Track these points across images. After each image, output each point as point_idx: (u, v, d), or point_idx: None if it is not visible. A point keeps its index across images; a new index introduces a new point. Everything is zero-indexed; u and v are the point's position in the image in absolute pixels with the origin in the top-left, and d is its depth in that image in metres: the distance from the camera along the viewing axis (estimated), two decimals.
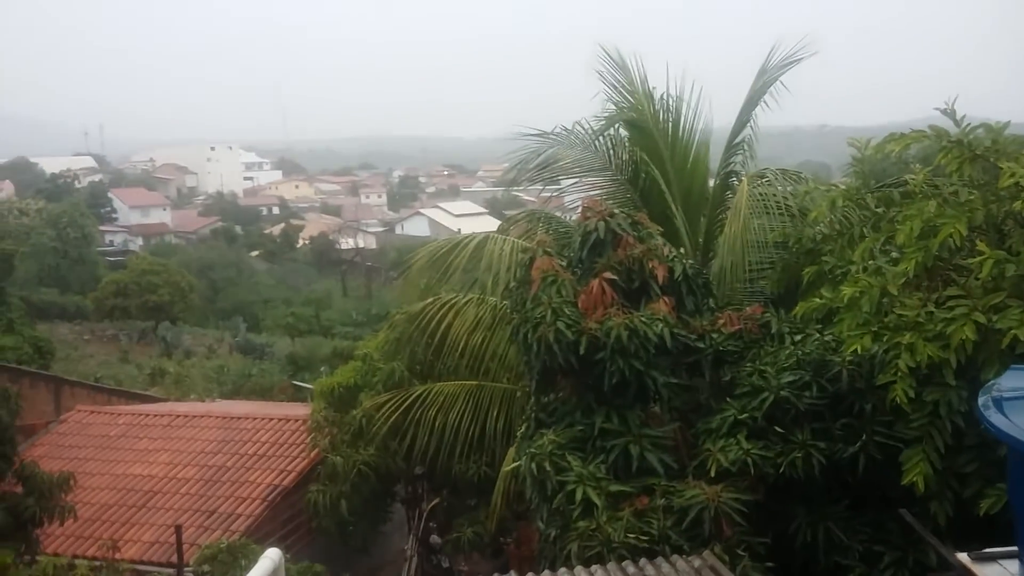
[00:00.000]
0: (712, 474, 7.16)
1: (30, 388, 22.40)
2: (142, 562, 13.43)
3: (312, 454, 15.05)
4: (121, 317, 48.11)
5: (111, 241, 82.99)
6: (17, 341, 35.07)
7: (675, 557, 6.41)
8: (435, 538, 13.69)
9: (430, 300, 11.91)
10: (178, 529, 13.15)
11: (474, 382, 11.74)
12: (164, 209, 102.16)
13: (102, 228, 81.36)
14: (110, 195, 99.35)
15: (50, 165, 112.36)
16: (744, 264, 9.76)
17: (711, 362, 8.01)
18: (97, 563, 11.36)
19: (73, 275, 57.29)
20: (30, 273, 53.11)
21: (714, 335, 8.06)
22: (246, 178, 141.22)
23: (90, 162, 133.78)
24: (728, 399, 7.62)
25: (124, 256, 67.30)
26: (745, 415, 7.37)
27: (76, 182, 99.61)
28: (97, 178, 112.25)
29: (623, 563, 6.35)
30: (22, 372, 25.11)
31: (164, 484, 15.68)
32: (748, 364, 7.75)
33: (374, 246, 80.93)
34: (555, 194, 12.47)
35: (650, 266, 8.10)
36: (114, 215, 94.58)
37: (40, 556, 12.01)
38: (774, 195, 10.13)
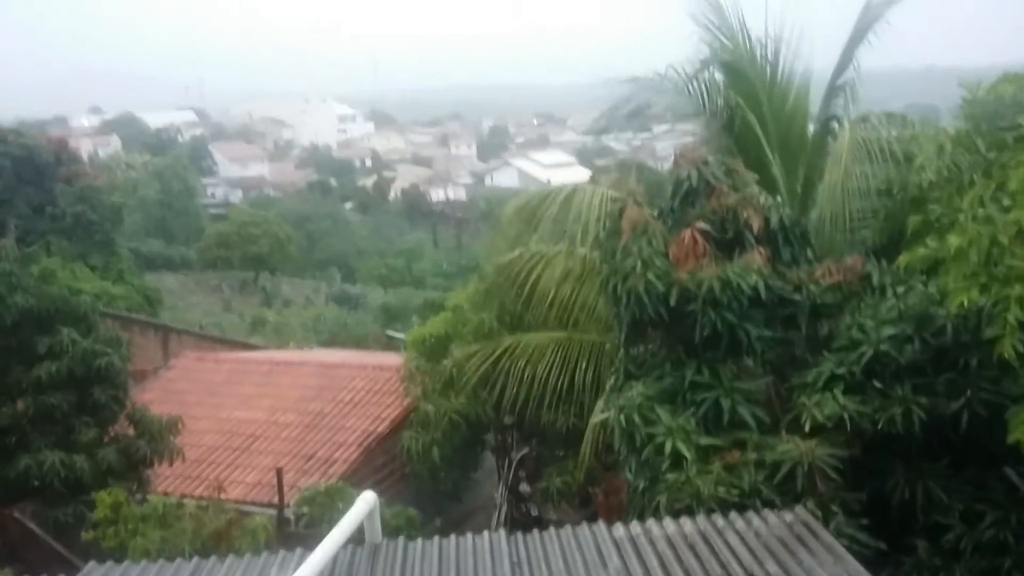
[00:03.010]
0: (806, 429, 6.99)
1: (140, 335, 23.56)
2: (245, 502, 14.03)
3: (405, 402, 15.36)
4: (223, 267, 49.86)
5: (212, 194, 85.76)
6: (127, 291, 36.85)
7: (766, 511, 6.32)
8: (524, 486, 13.87)
9: (519, 251, 11.89)
10: (279, 472, 13.67)
11: (563, 334, 11.72)
12: (262, 162, 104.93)
13: (204, 181, 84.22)
14: (211, 148, 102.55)
15: (154, 120, 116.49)
16: (845, 213, 9.39)
17: (808, 315, 7.78)
18: (204, 503, 11.91)
19: (178, 227, 59.52)
20: (138, 225, 55.40)
21: (811, 287, 7.82)
22: (340, 130, 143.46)
23: (191, 116, 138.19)
24: (825, 353, 7.41)
25: (225, 208, 69.55)
26: (842, 369, 7.15)
27: (179, 136, 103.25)
28: (198, 132, 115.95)
29: (712, 516, 6.30)
30: (132, 320, 26.42)
31: (266, 428, 16.29)
32: (847, 317, 7.51)
33: (464, 197, 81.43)
34: (646, 142, 12.23)
35: (745, 215, 7.87)
36: (215, 168, 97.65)
37: (151, 495, 12.66)
38: (877, 140, 9.67)
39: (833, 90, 11.13)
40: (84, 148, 75.61)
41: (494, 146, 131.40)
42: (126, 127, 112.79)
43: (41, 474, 11.87)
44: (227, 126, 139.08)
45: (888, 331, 7.08)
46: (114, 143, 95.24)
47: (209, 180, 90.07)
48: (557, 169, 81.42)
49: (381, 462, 15.20)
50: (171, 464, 13.34)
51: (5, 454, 12.20)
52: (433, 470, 13.69)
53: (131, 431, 13.07)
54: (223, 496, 12.38)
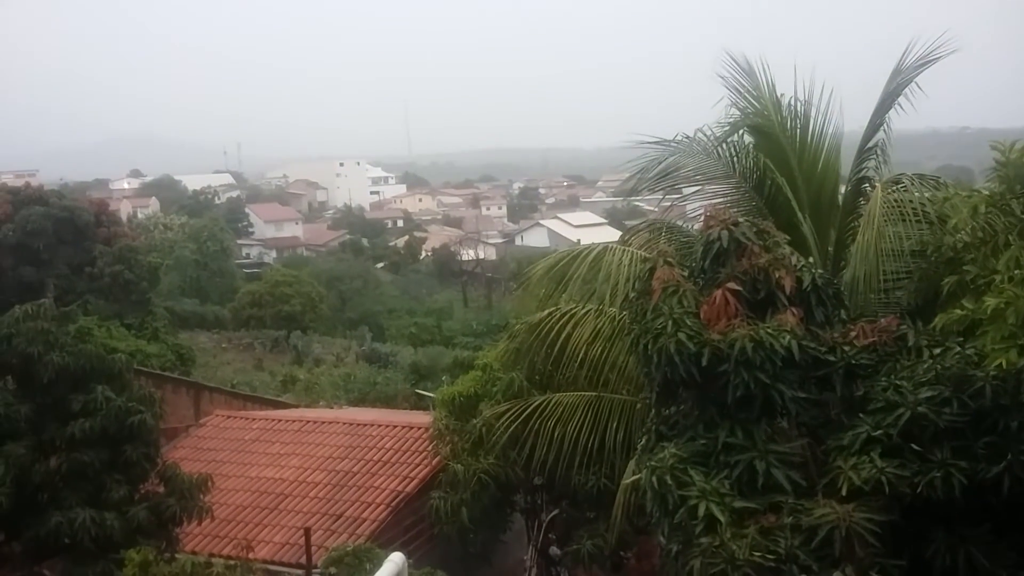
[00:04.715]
0: (843, 492, 6.85)
1: (172, 393, 23.80)
2: (273, 562, 13.94)
3: (434, 461, 15.29)
4: (256, 326, 50.26)
5: (247, 254, 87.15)
6: (161, 349, 37.29)
7: None
8: (555, 549, 13.67)
9: (549, 311, 11.91)
10: (307, 532, 13.61)
11: (593, 393, 11.66)
12: (296, 223, 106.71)
13: (239, 242, 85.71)
14: (247, 210, 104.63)
15: (192, 182, 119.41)
16: (878, 274, 9.33)
17: (842, 376, 7.67)
18: (232, 562, 11.84)
19: (212, 286, 60.34)
20: (173, 284, 56.21)
21: (846, 348, 7.72)
22: (372, 192, 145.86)
23: (228, 179, 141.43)
24: (861, 415, 7.28)
25: (259, 268, 70.48)
26: (879, 432, 7.02)
27: (216, 198, 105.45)
28: (235, 194, 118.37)
29: None
30: (165, 378, 26.74)
31: (294, 488, 16.26)
32: (883, 378, 7.39)
33: (494, 257, 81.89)
34: (676, 203, 12.28)
35: (776, 276, 7.83)
36: (250, 229, 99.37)
37: (179, 554, 12.63)
38: (910, 201, 9.65)
39: (864, 152, 11.16)
40: (124, 210, 77.48)
41: (524, 207, 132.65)
42: (165, 190, 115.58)
43: (72, 531, 11.88)
44: (263, 189, 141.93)
45: (925, 393, 6.96)
46: (153, 205, 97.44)
47: (244, 241, 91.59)
48: (587, 229, 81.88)
49: (410, 522, 15.08)
50: (200, 523, 13.31)
51: (37, 511, 12.25)
52: (462, 531, 13.55)
53: (161, 489, 13.09)
54: (251, 556, 12.33)
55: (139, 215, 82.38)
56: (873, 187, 10.61)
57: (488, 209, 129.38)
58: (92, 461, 12.44)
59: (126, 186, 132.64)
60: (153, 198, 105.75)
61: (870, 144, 11.14)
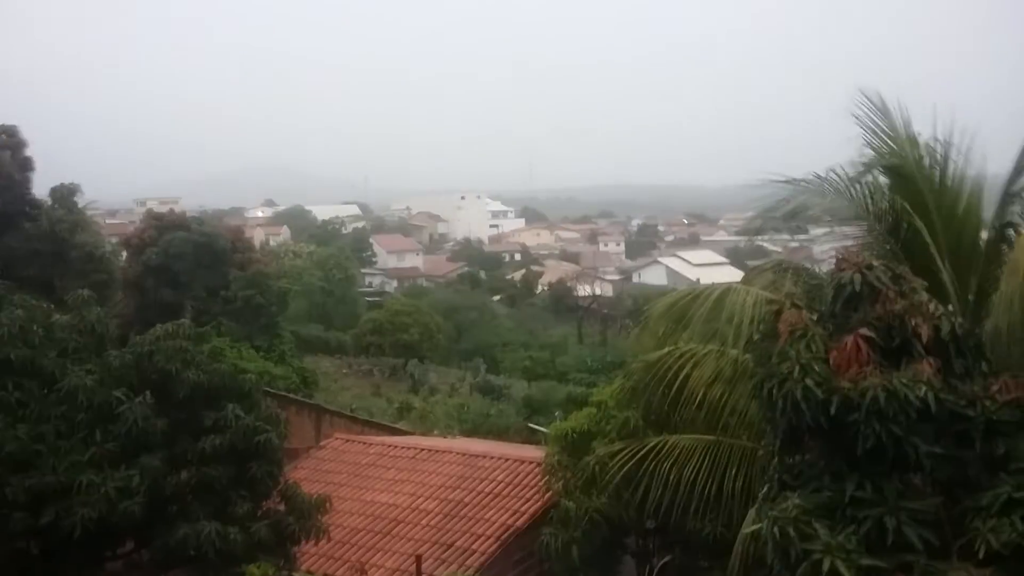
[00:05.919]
0: (980, 556, 6.46)
1: (295, 415, 24.52)
2: None
3: (545, 497, 15.21)
4: (376, 353, 51.52)
5: (370, 283, 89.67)
6: (287, 371, 38.61)
7: None
8: None
9: (668, 350, 11.73)
10: (418, 559, 13.75)
11: (712, 437, 11.39)
12: (417, 254, 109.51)
13: (363, 271, 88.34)
14: (371, 240, 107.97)
15: (321, 212, 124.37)
16: (1023, 325, 8.80)
17: (982, 432, 7.24)
18: None
19: (336, 313, 62.28)
20: (300, 310, 58.29)
21: (987, 402, 7.29)
22: (491, 225, 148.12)
23: (355, 210, 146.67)
24: (1002, 474, 6.87)
25: (381, 297, 72.40)
26: (1022, 493, 6.60)
27: (343, 228, 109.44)
28: (360, 225, 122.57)
29: None
30: (290, 400, 27.62)
31: (407, 514, 16.47)
32: None
33: (611, 294, 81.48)
34: (803, 244, 11.96)
35: (913, 323, 7.50)
36: (374, 259, 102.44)
37: (296, 572, 12.94)
38: None
39: (1008, 196, 10.58)
40: (257, 237, 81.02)
41: (643, 244, 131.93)
42: (295, 219, 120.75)
43: (198, 543, 12.30)
44: (387, 220, 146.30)
45: None
46: (284, 233, 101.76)
47: (368, 270, 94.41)
48: (707, 268, 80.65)
49: (518, 557, 15.03)
50: (317, 543, 13.61)
51: (166, 521, 12.78)
52: (571, 570, 13.39)
53: (282, 507, 13.45)
54: None
55: (271, 242, 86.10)
56: (1018, 233, 10.06)
57: (606, 245, 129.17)
58: (220, 476, 12.88)
59: (260, 214, 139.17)
60: (284, 227, 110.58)
61: (1015, 187, 10.57)
